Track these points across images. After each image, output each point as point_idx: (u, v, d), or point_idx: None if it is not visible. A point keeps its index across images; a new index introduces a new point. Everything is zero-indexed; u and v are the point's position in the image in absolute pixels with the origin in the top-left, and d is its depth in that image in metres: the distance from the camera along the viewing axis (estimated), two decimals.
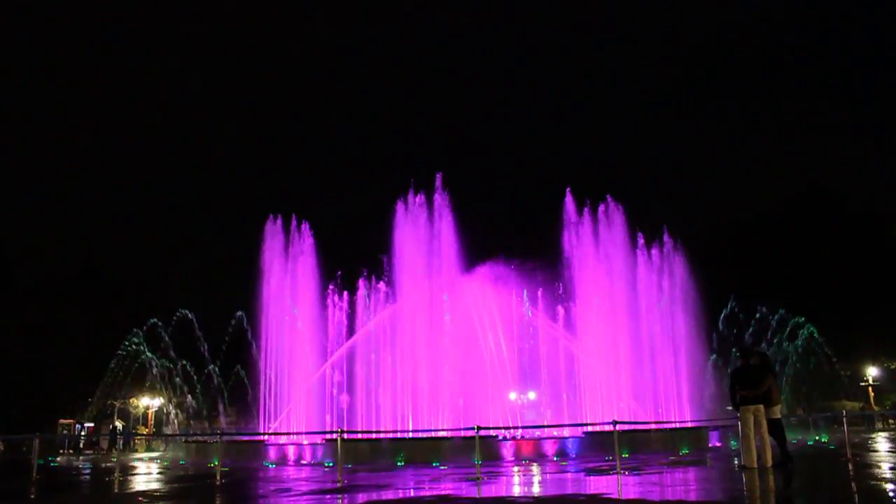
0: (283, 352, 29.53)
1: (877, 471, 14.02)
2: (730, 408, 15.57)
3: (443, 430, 23.32)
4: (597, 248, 29.89)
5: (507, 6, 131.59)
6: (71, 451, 39.93)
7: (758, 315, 37.44)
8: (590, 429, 22.85)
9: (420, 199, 28.92)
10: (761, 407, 13.93)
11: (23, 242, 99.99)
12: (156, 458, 30.23)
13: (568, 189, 30.34)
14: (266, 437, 26.28)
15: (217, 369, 54.80)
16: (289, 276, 30.41)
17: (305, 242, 30.95)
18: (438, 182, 28.84)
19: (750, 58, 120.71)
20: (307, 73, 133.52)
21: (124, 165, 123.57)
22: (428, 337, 28.00)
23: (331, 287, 32.21)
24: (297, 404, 28.94)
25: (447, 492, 12.47)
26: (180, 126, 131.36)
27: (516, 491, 13.00)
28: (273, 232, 30.72)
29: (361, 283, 32.01)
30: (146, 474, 20.04)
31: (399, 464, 20.03)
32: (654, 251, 31.72)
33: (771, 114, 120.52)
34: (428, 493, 12.58)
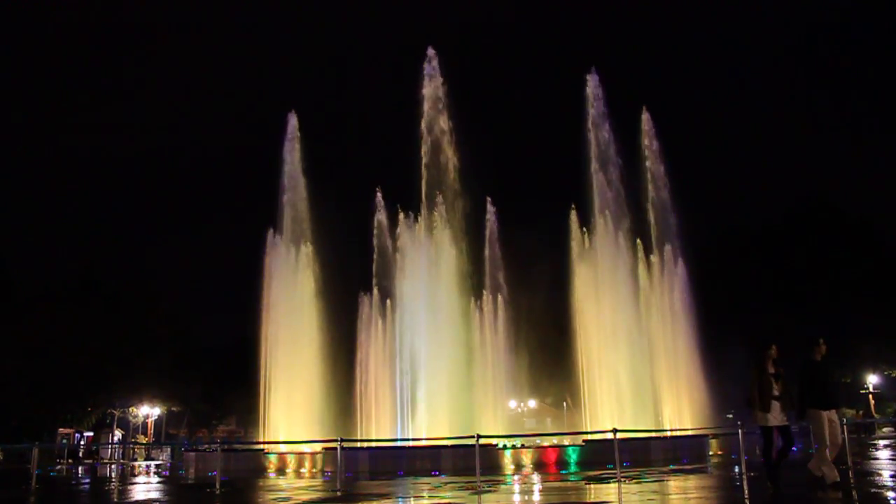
0: (284, 361, 29.48)
1: (877, 479, 14.01)
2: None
3: (442, 438, 23.26)
4: (598, 258, 30.10)
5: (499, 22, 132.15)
6: (70, 461, 39.83)
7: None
8: (590, 437, 22.82)
9: (421, 215, 29.19)
10: None
11: (22, 253, 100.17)
12: (155, 468, 30.17)
13: (573, 205, 30.82)
14: (265, 445, 26.23)
15: (217, 378, 54.89)
16: (289, 286, 30.40)
17: (304, 253, 31.00)
18: (439, 198, 29.13)
19: (753, 66, 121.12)
20: (306, 77, 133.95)
21: (124, 176, 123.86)
22: (428, 347, 28.05)
23: (331, 296, 32.24)
24: (297, 413, 28.88)
25: (447, 501, 12.45)
26: (180, 135, 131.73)
27: (516, 500, 12.98)
28: (273, 243, 30.76)
29: (363, 298, 32.03)
30: (146, 483, 20.01)
31: (399, 473, 19.99)
32: (655, 261, 31.85)
33: (773, 123, 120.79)
34: (428, 503, 12.57)
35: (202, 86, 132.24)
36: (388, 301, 30.94)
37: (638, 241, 31.61)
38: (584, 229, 30.59)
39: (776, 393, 11.96)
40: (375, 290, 31.69)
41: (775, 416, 11.86)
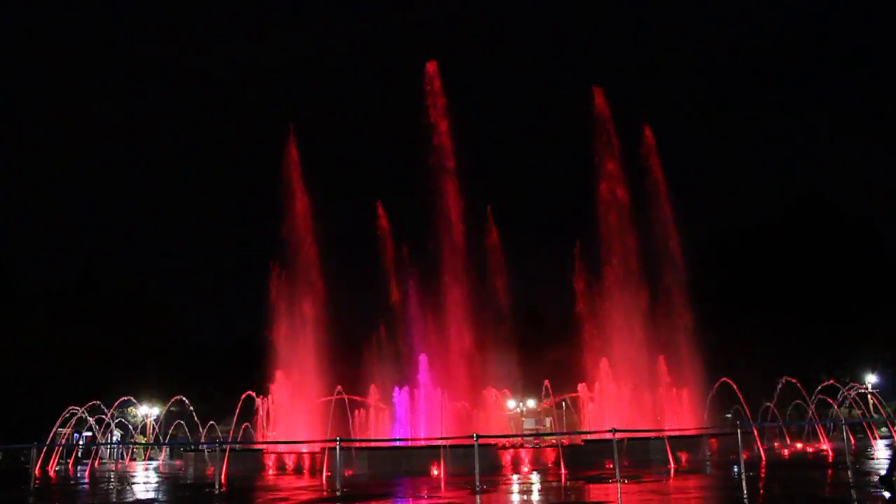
0: (284, 362, 29.50)
1: (874, 478, 14.01)
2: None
3: (442, 438, 23.27)
4: (598, 257, 30.55)
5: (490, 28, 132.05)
6: (70, 461, 39.79)
7: None
8: (589, 437, 22.82)
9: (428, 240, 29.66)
10: None
11: (21, 253, 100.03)
12: (154, 467, 30.18)
13: (571, 204, 31.14)
14: (265, 445, 26.21)
15: (216, 378, 54.76)
16: (291, 289, 30.45)
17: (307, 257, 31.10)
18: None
19: (751, 67, 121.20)
20: (305, 82, 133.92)
21: (123, 175, 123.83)
22: (429, 348, 28.22)
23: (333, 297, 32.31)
24: (296, 414, 28.89)
25: (446, 501, 12.46)
26: (182, 137, 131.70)
27: (515, 500, 12.99)
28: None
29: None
30: (145, 483, 20.01)
31: (398, 473, 19.99)
32: (655, 262, 32.05)
33: (771, 123, 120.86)
34: (427, 503, 12.57)
35: (201, 84, 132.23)
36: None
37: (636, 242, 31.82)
38: (584, 232, 31.02)
39: None
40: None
41: None
